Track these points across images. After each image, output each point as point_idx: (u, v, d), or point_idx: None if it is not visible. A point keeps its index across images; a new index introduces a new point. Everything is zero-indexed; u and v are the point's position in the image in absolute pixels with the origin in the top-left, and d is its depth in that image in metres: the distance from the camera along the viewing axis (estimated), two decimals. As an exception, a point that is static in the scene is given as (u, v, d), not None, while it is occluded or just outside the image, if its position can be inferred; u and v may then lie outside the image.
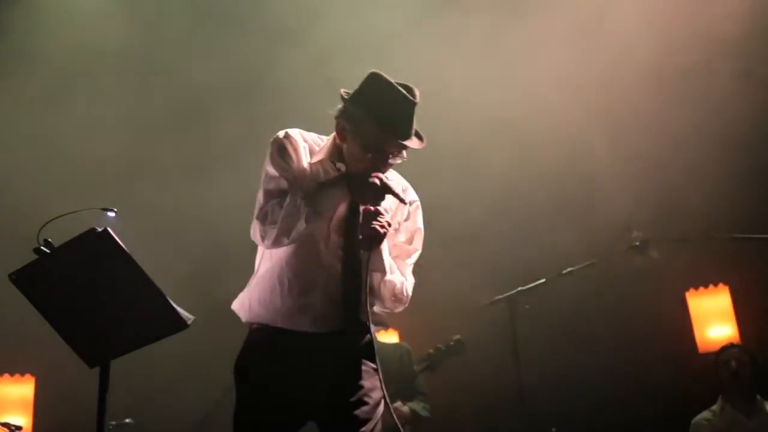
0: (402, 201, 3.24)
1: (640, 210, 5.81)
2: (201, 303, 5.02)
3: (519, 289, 5.38)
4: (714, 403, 5.81)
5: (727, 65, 6.34)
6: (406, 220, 3.43)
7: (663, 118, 6.56)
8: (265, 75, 7.02)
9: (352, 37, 6.67)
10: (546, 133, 6.65)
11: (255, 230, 3.21)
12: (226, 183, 6.50)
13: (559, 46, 6.63)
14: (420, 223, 3.47)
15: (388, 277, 3.29)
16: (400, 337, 6.93)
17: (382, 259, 3.24)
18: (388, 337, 6.66)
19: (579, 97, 6.58)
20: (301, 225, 3.12)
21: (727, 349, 5.82)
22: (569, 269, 5.43)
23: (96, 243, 2.90)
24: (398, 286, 3.34)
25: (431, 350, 5.73)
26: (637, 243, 5.26)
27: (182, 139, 7.11)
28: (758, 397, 5.70)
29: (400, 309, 3.43)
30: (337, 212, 3.24)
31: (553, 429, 5.31)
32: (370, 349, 3.25)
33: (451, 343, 5.71)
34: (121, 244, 2.91)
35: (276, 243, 3.19)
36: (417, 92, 3.19)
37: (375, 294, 3.32)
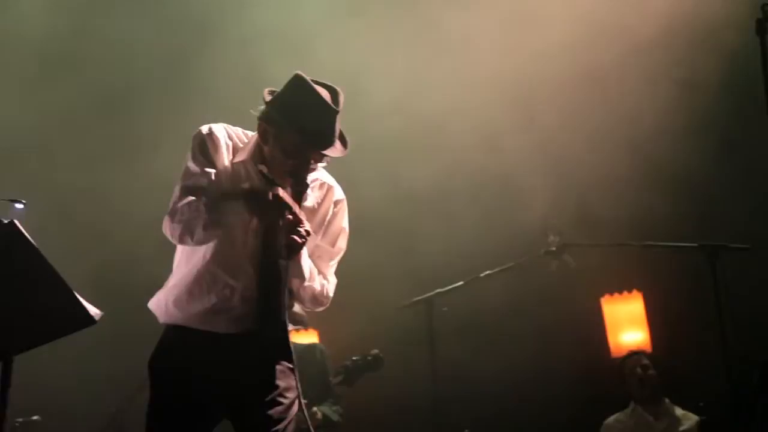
0: (298, 221, 3.09)
1: (558, 215, 5.88)
2: (115, 295, 4.96)
3: (437, 290, 5.40)
4: (626, 405, 5.95)
5: (646, 66, 6.48)
6: (330, 220, 3.41)
7: (585, 122, 6.66)
8: (188, 62, 6.92)
9: (276, 28, 6.61)
10: (469, 132, 6.69)
11: (165, 225, 3.18)
12: (144, 172, 6.38)
13: (482, 41, 6.66)
14: (344, 224, 3.45)
15: (307, 283, 3.28)
16: (319, 337, 6.91)
17: (300, 267, 3.22)
18: (306, 336, 6.62)
19: (501, 95, 6.64)
20: (200, 232, 3.09)
21: (632, 356, 5.98)
22: (487, 272, 5.48)
23: (2, 235, 2.82)
24: (318, 290, 3.33)
25: (348, 362, 5.61)
26: (554, 248, 5.33)
27: (100, 126, 6.97)
28: (666, 400, 5.87)
29: (320, 309, 3.44)
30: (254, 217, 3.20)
31: (466, 430, 5.35)
32: (286, 349, 3.22)
33: (369, 357, 5.55)
34: (28, 237, 2.84)
35: (181, 241, 3.18)
36: (341, 97, 3.18)
37: (294, 296, 3.32)
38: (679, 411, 5.83)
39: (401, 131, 6.72)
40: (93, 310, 2.97)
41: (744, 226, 5.93)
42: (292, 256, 3.12)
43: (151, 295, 3.38)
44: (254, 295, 3.20)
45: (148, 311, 3.36)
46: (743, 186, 5.94)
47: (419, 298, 5.39)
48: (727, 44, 6.04)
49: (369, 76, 6.39)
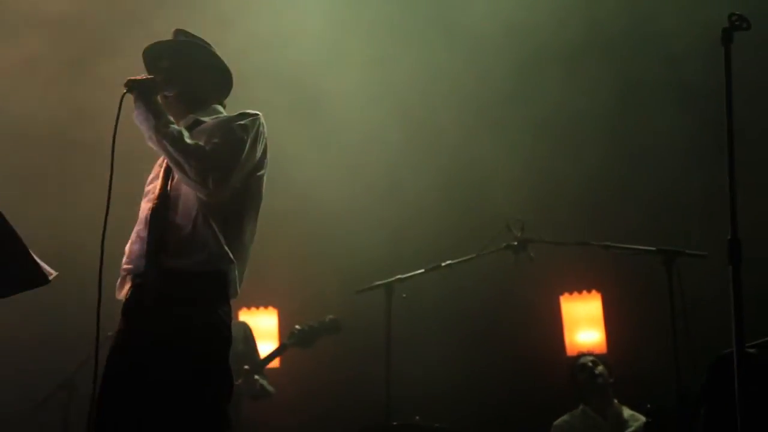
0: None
1: (523, 211, 5.90)
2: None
3: (398, 276, 5.42)
4: (576, 405, 6.00)
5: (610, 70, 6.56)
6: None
7: (555, 121, 6.72)
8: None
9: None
10: (434, 118, 6.71)
11: None
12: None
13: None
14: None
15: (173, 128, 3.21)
16: (279, 317, 6.89)
17: (150, 108, 3.22)
18: (259, 315, 6.60)
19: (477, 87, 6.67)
20: None
21: (582, 356, 6.02)
22: (448, 262, 5.51)
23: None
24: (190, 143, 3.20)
25: (303, 327, 5.60)
26: (515, 243, 5.37)
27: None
28: (615, 401, 5.91)
29: (209, 174, 3.14)
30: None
31: (417, 417, 5.36)
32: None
33: (326, 321, 5.60)
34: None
35: None
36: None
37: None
38: (627, 412, 5.87)
39: (377, 109, 6.69)
40: (47, 269, 2.95)
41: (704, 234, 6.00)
42: (132, 91, 3.23)
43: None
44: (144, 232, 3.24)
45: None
46: (706, 193, 5.99)
47: (379, 282, 5.42)
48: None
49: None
